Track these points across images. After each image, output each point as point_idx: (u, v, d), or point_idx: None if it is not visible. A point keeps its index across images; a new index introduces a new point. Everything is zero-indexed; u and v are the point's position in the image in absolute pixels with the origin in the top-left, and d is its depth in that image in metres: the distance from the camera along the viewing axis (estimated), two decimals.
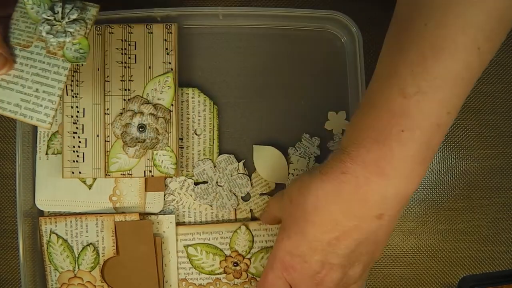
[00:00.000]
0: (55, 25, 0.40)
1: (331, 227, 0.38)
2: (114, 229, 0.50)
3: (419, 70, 0.34)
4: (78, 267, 0.51)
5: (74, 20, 0.40)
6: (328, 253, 0.39)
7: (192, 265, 0.51)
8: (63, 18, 0.40)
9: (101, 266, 0.51)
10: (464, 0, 0.33)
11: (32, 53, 0.41)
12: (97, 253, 0.51)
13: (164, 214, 0.51)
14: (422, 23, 0.34)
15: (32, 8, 0.41)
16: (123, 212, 0.51)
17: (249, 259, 0.51)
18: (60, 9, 0.40)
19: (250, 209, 0.52)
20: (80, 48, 0.41)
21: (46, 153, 0.52)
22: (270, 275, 0.42)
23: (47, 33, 0.40)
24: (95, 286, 0.51)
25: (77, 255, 0.51)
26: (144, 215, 0.51)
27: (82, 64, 0.48)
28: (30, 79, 0.41)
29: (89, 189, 0.51)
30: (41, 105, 0.41)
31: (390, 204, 0.36)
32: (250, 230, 0.51)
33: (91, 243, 0.51)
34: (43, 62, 0.41)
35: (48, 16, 0.40)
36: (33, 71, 0.41)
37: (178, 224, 0.52)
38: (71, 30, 0.40)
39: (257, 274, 0.51)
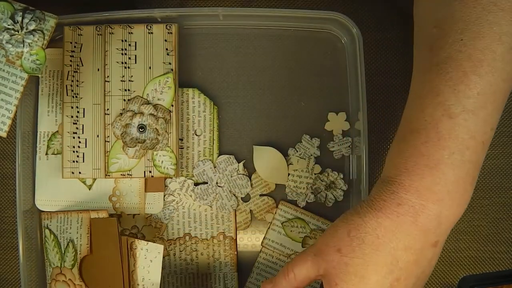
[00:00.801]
0: (15, 34, 0.40)
1: (393, 267, 0.35)
2: (89, 226, 0.50)
3: (462, 88, 0.33)
4: (63, 264, 0.50)
5: (32, 31, 0.40)
6: None
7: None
8: (22, 28, 0.40)
9: (78, 264, 0.50)
10: (494, 8, 0.32)
11: None
12: (75, 250, 0.50)
13: (154, 242, 0.50)
14: (458, 38, 0.33)
15: None
16: (94, 209, 0.50)
17: None
18: (20, 19, 0.40)
19: (250, 210, 0.52)
20: (37, 59, 0.41)
21: (46, 153, 0.52)
22: None
23: (7, 42, 0.40)
24: (74, 284, 0.50)
25: (63, 251, 0.50)
26: (139, 213, 0.51)
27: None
28: None
29: (89, 189, 0.51)
30: None
31: (444, 229, 0.35)
32: None
33: (72, 240, 0.50)
34: (3, 70, 0.41)
35: (9, 25, 0.40)
36: None
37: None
38: (28, 40, 0.40)
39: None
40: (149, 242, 0.49)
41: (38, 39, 0.40)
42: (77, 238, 0.50)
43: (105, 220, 0.50)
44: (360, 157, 0.50)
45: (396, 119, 0.54)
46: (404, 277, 0.35)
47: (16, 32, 0.40)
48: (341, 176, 0.52)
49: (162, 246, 0.49)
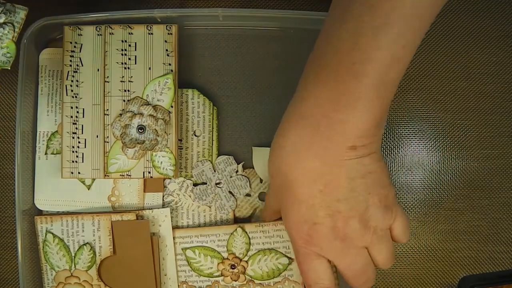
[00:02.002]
0: None
1: (315, 177, 0.37)
2: (111, 228, 0.50)
3: (370, 8, 0.33)
4: (75, 266, 0.51)
5: (2, 24, 0.39)
6: (328, 203, 0.38)
7: (191, 267, 0.51)
8: None
9: (97, 265, 0.51)
10: None
11: None
12: (94, 252, 0.51)
13: (158, 208, 0.51)
14: None
15: None
16: (119, 212, 0.51)
17: (246, 261, 0.51)
18: None
19: (251, 207, 0.52)
20: (8, 53, 0.40)
21: (46, 153, 0.52)
22: (301, 259, 0.41)
23: None
24: (91, 285, 0.51)
25: (73, 254, 0.51)
26: (139, 210, 0.51)
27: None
28: None
29: (88, 189, 0.51)
30: None
31: (355, 134, 0.36)
32: (246, 232, 0.51)
33: (87, 243, 0.51)
34: None
35: None
36: None
37: (176, 227, 0.52)
38: None
39: (255, 277, 0.51)
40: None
41: (8, 32, 0.39)
42: (94, 240, 0.51)
43: (133, 222, 0.50)
44: None
45: (395, 118, 0.54)
46: (332, 181, 0.37)
47: None
48: None
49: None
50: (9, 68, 0.40)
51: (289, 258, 0.51)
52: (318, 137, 0.37)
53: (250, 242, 0.51)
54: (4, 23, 0.39)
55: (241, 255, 0.51)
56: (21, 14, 0.40)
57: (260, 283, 0.51)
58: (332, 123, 0.36)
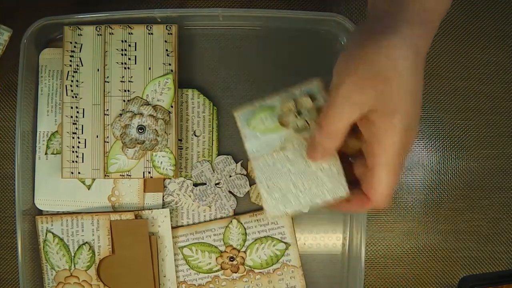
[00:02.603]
0: None
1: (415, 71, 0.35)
2: (110, 228, 0.50)
3: None
4: (74, 266, 0.51)
5: None
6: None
7: (189, 266, 0.51)
8: None
9: (96, 265, 0.51)
10: None
11: None
12: (93, 252, 0.51)
13: (157, 209, 0.52)
14: None
15: None
16: (118, 211, 0.51)
17: (245, 252, 0.51)
18: None
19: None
20: None
21: (46, 153, 0.52)
22: (339, 99, 0.36)
23: None
24: (91, 285, 0.51)
25: (73, 254, 0.51)
26: (139, 210, 0.51)
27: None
28: None
29: (88, 189, 0.51)
30: None
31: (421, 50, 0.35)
32: (241, 223, 0.51)
33: (86, 242, 0.51)
34: None
35: None
36: None
37: (177, 227, 0.52)
38: None
39: (254, 266, 0.51)
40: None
41: None
42: (93, 240, 0.51)
43: (132, 222, 0.51)
44: None
45: None
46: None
47: None
48: None
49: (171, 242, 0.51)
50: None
51: (285, 243, 0.51)
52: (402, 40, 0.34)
53: (246, 233, 0.51)
54: None
55: (239, 246, 0.51)
56: (5, 35, 0.40)
57: (260, 272, 0.51)
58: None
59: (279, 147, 0.41)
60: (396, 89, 0.34)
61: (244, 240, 0.51)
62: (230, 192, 0.52)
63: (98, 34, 0.50)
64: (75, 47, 0.50)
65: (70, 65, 0.50)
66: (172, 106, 0.49)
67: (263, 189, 0.40)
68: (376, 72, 0.34)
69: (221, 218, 0.52)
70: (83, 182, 0.51)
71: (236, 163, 0.52)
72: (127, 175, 0.49)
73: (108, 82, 0.50)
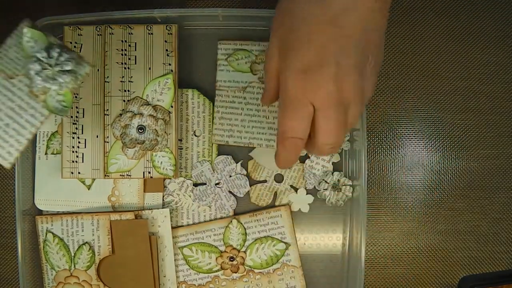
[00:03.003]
0: (46, 68, 0.37)
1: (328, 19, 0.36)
2: (110, 228, 0.50)
3: None
4: (74, 266, 0.51)
5: (67, 71, 0.38)
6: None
7: (189, 266, 0.51)
8: (56, 64, 0.37)
9: (97, 265, 0.51)
10: None
11: (14, 86, 0.39)
12: (93, 252, 0.51)
13: (157, 209, 0.52)
14: None
15: (28, 42, 0.38)
16: (118, 211, 0.51)
17: (245, 252, 0.51)
18: (56, 55, 0.37)
19: (290, 186, 0.52)
20: (63, 101, 0.38)
21: (46, 153, 0.52)
22: (289, 106, 0.39)
23: (36, 73, 0.37)
24: (91, 285, 0.51)
25: (73, 254, 0.51)
26: (139, 210, 0.51)
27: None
28: (3, 111, 0.38)
29: (88, 189, 0.51)
30: (7, 142, 0.38)
31: None
32: (241, 223, 0.51)
33: (86, 242, 0.51)
34: (22, 100, 0.39)
35: (42, 57, 0.37)
36: (9, 104, 0.38)
37: (176, 227, 0.52)
38: (60, 79, 0.37)
39: (254, 266, 0.51)
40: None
41: (70, 81, 0.38)
42: (93, 240, 0.51)
43: (132, 222, 0.51)
44: (360, 151, 0.50)
45: (395, 118, 0.54)
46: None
47: (49, 67, 0.37)
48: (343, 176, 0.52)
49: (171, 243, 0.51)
50: (63, 116, 0.38)
51: (285, 243, 0.51)
52: None
53: (246, 233, 0.51)
54: (69, 71, 0.38)
55: (239, 246, 0.51)
56: (86, 68, 0.38)
57: (260, 272, 0.51)
58: None
59: (242, 87, 0.51)
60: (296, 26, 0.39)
61: (244, 240, 0.51)
62: (230, 192, 0.52)
63: (98, 34, 0.50)
64: (75, 47, 0.50)
65: None
66: (172, 106, 0.49)
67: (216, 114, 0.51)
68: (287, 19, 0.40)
69: (221, 218, 0.52)
70: (83, 182, 0.51)
71: (236, 163, 0.52)
72: (127, 175, 0.49)
73: (108, 82, 0.50)
